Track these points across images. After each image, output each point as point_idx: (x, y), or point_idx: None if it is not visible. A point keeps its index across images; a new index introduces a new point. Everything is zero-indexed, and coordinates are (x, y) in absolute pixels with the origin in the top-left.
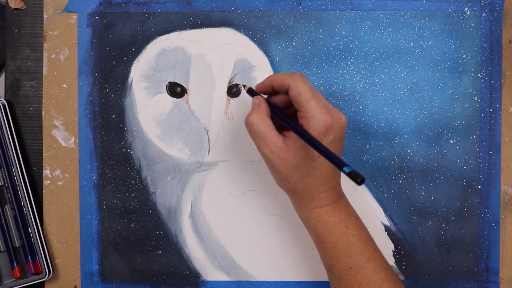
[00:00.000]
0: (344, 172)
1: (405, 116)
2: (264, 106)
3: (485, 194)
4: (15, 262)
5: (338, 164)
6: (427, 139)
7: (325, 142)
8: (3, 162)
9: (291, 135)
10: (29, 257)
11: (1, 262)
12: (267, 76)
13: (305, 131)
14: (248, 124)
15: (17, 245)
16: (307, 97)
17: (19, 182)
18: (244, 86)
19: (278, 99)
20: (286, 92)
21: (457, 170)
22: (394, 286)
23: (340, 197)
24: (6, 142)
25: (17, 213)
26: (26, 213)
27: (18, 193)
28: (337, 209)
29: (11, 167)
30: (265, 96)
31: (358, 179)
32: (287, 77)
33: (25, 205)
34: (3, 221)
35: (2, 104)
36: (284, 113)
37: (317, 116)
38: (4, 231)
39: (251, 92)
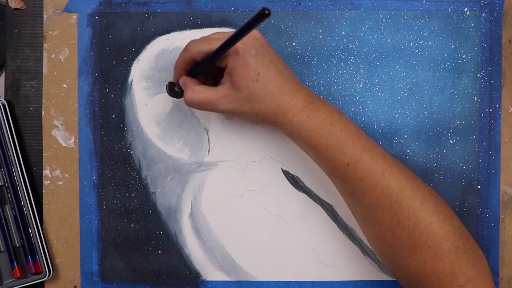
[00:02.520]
0: (263, 15)
1: (405, 116)
2: (187, 81)
3: (485, 194)
4: (15, 262)
5: (246, 27)
6: (426, 139)
7: (251, 61)
8: (3, 162)
9: (224, 80)
10: (29, 257)
11: (1, 262)
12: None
13: (217, 48)
14: (189, 103)
15: (17, 245)
16: (206, 45)
17: (19, 182)
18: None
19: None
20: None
21: (457, 170)
22: (397, 171)
23: (312, 97)
24: (6, 142)
25: (17, 213)
26: (26, 213)
27: (18, 193)
28: (315, 110)
29: (11, 167)
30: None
31: (265, 11)
32: (184, 54)
33: (25, 205)
34: (3, 221)
35: (2, 104)
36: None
37: (222, 39)
38: (4, 231)
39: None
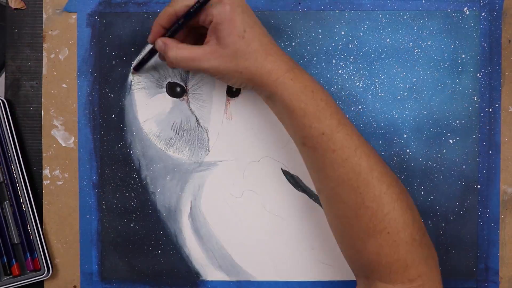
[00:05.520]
0: None
1: (405, 116)
2: (169, 40)
3: (485, 193)
4: (13, 260)
5: None
6: (426, 138)
7: (237, 17)
8: (2, 159)
9: (209, 38)
10: (28, 253)
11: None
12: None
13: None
14: (173, 60)
15: (16, 242)
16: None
17: (18, 179)
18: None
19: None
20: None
21: (457, 169)
22: (369, 151)
23: (295, 64)
24: (5, 139)
25: (16, 209)
26: (25, 210)
27: (17, 189)
28: (299, 75)
29: (10, 164)
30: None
31: None
32: (168, 9)
33: (24, 202)
34: (2, 218)
35: (1, 101)
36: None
37: (213, 3)
38: (2, 228)
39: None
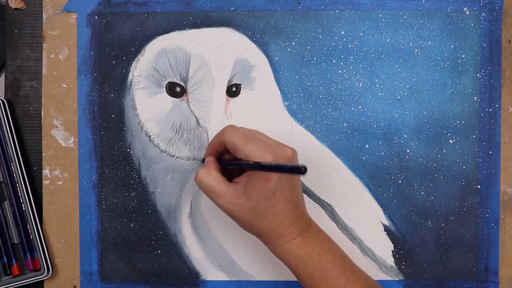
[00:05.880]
0: (298, 172)
1: (405, 116)
2: (211, 162)
3: (485, 194)
4: (13, 260)
5: (291, 169)
6: (426, 139)
7: (274, 179)
8: (2, 159)
9: (241, 180)
10: (28, 253)
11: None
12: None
13: (252, 162)
14: (198, 181)
15: (16, 242)
16: (241, 143)
17: (18, 178)
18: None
19: (229, 156)
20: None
21: (457, 170)
22: None
23: (308, 226)
24: (5, 139)
25: (15, 209)
26: (25, 210)
27: (17, 189)
28: (307, 239)
29: (10, 164)
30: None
31: (302, 168)
32: (220, 135)
33: (24, 202)
34: (2, 218)
35: (1, 101)
36: (233, 160)
37: (258, 156)
38: (2, 228)
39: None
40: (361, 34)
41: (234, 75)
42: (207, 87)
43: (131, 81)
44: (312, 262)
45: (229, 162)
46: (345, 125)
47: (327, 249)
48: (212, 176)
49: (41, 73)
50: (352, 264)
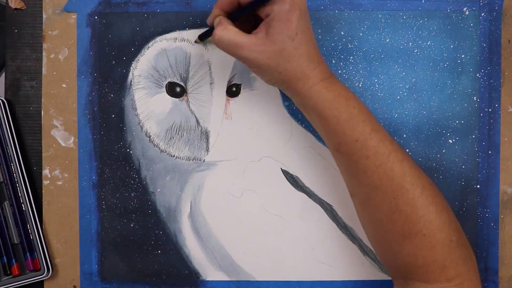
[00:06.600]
0: None
1: (404, 116)
2: (223, 20)
3: (484, 193)
4: (13, 260)
5: None
6: (426, 138)
7: (294, 19)
8: (2, 159)
9: (260, 30)
10: (28, 253)
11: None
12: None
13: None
14: (217, 40)
15: (16, 242)
16: None
17: (18, 179)
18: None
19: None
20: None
21: (456, 169)
22: (402, 156)
23: (330, 73)
24: (5, 139)
25: (15, 209)
26: (25, 210)
27: (17, 189)
28: (333, 84)
29: (10, 164)
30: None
31: None
32: None
33: (24, 202)
34: (2, 218)
35: (1, 101)
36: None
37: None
38: (2, 228)
39: (203, 36)
40: (361, 34)
41: (234, 75)
42: (207, 87)
43: (131, 81)
44: (339, 105)
45: (240, 10)
46: None
47: (352, 95)
48: (230, 30)
49: (41, 73)
50: (375, 118)
